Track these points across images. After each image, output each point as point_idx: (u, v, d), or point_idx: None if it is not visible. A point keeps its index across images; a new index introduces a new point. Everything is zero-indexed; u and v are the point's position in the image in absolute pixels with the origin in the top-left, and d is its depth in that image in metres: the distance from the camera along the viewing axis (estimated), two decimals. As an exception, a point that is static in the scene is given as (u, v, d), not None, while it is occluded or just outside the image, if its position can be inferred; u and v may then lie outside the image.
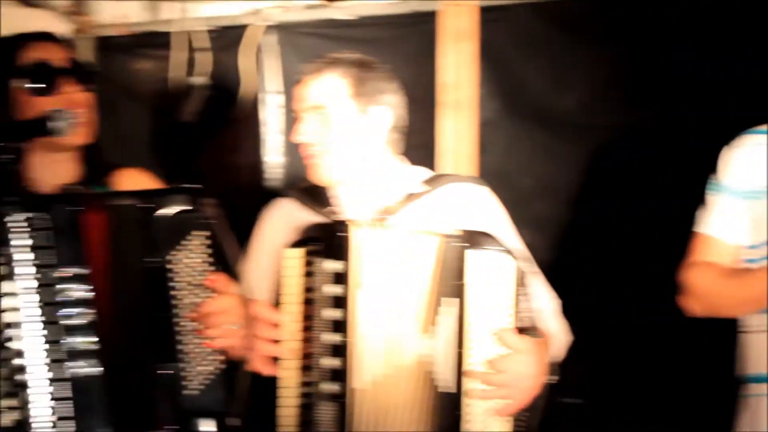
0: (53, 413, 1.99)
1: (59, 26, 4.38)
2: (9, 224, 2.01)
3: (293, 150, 4.07)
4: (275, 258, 2.52)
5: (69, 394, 2.00)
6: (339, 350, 2.18)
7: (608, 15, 3.52)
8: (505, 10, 3.68)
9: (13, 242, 2.02)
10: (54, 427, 1.98)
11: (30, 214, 2.03)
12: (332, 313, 2.19)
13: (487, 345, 2.22)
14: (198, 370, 2.12)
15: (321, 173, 2.47)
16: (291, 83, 4.09)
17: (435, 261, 2.23)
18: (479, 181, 2.55)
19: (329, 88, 2.44)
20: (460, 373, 2.20)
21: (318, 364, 2.20)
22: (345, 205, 2.50)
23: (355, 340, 2.18)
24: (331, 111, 2.43)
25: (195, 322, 2.12)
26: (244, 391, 2.19)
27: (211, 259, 2.14)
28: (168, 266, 2.11)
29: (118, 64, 4.46)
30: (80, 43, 4.34)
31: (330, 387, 2.18)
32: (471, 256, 2.21)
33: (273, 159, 4.17)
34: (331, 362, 2.18)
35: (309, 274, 2.27)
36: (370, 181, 2.49)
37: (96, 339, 2.03)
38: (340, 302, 2.19)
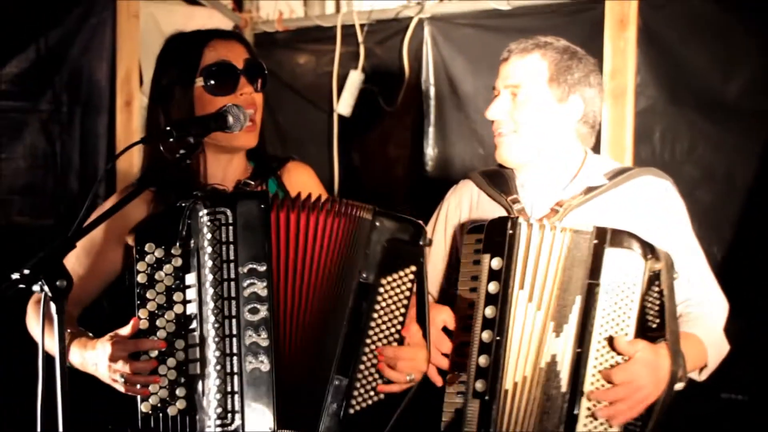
0: (220, 405, 2.02)
1: (220, 23, 4.53)
2: (202, 218, 2.07)
3: (444, 142, 4.11)
4: (452, 237, 2.56)
5: (237, 388, 2.03)
6: (487, 348, 2.19)
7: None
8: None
9: (200, 236, 2.07)
10: (219, 419, 2.01)
11: (218, 209, 2.07)
12: (486, 310, 2.21)
13: (608, 347, 2.19)
14: (360, 392, 2.14)
15: (505, 153, 2.47)
16: (445, 75, 4.13)
17: (565, 258, 2.22)
18: (661, 174, 2.49)
19: (528, 69, 2.44)
20: (578, 374, 2.19)
21: (470, 359, 2.22)
22: (525, 194, 2.49)
23: (506, 339, 2.18)
24: (526, 92, 2.43)
25: (379, 354, 2.15)
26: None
27: (411, 295, 2.18)
28: (379, 288, 2.16)
29: (277, 59, 4.60)
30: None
31: (477, 384, 2.20)
32: (609, 254, 2.20)
33: (428, 150, 4.19)
34: (479, 359, 2.20)
35: (477, 263, 2.29)
36: (553, 170, 2.48)
37: (268, 336, 2.04)
38: (495, 299, 2.20)
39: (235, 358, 2.03)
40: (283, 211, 2.12)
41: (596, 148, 3.33)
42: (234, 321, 2.05)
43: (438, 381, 2.31)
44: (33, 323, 2.36)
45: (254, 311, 2.05)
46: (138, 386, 2.04)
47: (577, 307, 2.20)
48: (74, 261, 2.32)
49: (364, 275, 2.15)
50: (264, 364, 2.04)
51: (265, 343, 2.04)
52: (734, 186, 3.44)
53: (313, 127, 4.55)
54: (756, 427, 3.23)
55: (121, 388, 2.07)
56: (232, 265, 2.06)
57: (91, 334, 2.22)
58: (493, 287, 2.21)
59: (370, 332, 2.15)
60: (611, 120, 3.50)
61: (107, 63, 4.25)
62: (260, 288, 2.06)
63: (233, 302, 2.05)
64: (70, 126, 4.19)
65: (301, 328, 2.11)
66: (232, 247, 2.06)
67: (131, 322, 2.07)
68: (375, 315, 2.15)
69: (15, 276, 1.73)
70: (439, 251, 2.60)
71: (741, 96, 3.45)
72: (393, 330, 2.16)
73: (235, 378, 2.03)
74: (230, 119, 2.17)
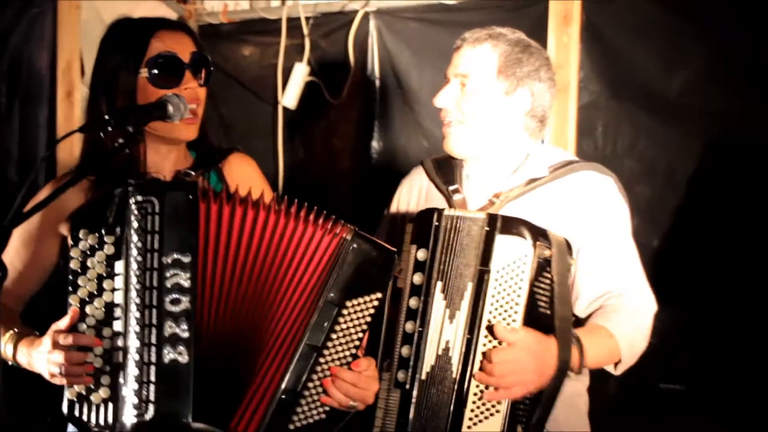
0: (136, 395, 1.98)
1: (164, 14, 4.47)
2: (131, 206, 2.03)
3: (389, 135, 4.12)
4: (401, 224, 2.55)
5: (153, 378, 1.99)
6: (410, 338, 2.21)
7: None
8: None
9: (130, 224, 2.04)
10: (135, 408, 1.98)
11: (149, 198, 2.04)
12: (410, 301, 2.23)
13: (495, 333, 2.19)
14: (304, 409, 2.12)
15: (453, 144, 2.46)
16: (391, 69, 4.14)
17: (467, 244, 2.23)
18: (605, 171, 2.49)
19: (478, 59, 2.43)
20: (467, 360, 2.20)
21: (393, 350, 2.24)
22: (470, 185, 2.49)
23: (426, 329, 2.21)
24: (473, 82, 2.42)
25: (334, 375, 2.12)
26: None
27: (371, 320, 2.15)
28: (343, 310, 2.12)
29: (222, 51, 4.56)
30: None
31: (399, 375, 2.22)
32: (499, 241, 2.20)
33: (373, 143, 4.20)
34: (402, 350, 2.22)
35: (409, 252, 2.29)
36: (499, 162, 2.47)
37: (189, 328, 2.01)
38: (419, 290, 2.22)
39: (153, 348, 1.99)
40: (215, 204, 2.08)
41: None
42: (155, 311, 2.01)
43: None
44: None
45: (176, 302, 2.01)
46: (76, 377, 2.02)
47: (469, 294, 2.21)
48: (13, 255, 2.29)
49: (332, 294, 2.12)
50: (182, 356, 2.00)
51: (185, 335, 2.00)
52: (674, 181, 3.50)
53: (257, 120, 4.53)
54: (695, 416, 3.29)
55: (62, 381, 2.04)
56: (156, 254, 2.02)
57: (37, 333, 2.18)
58: (417, 278, 2.23)
59: (326, 352, 2.12)
60: (554, 114, 3.52)
61: (48, 53, 4.19)
62: (183, 279, 2.02)
63: (155, 292, 2.01)
64: (9, 116, 4.12)
65: (232, 324, 2.08)
66: (157, 236, 2.03)
67: (69, 313, 2.04)
68: (334, 336, 2.12)
69: None
70: (386, 239, 2.58)
71: (682, 93, 3.51)
72: (348, 354, 2.14)
73: (152, 368, 1.99)
74: (170, 108, 2.14)
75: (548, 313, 2.22)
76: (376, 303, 2.15)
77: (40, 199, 2.03)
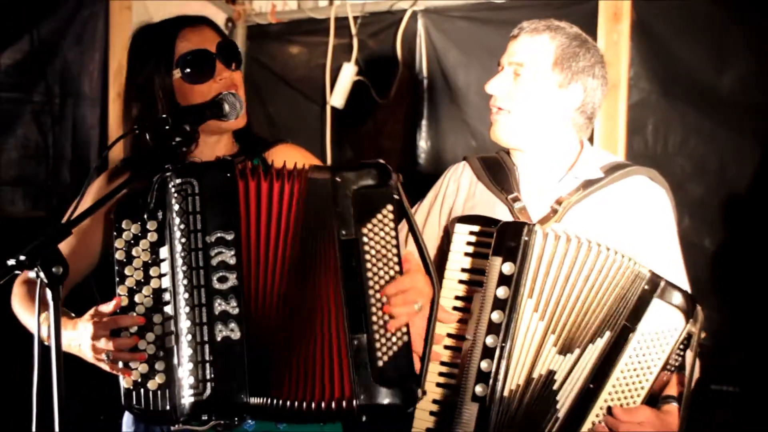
0: (192, 375, 1.99)
1: (213, 15, 4.51)
2: (171, 190, 2.06)
3: (436, 134, 4.12)
4: (446, 219, 2.53)
5: (208, 357, 2.00)
6: (491, 352, 2.14)
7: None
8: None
9: (170, 208, 2.06)
10: (191, 388, 1.99)
11: (188, 180, 2.06)
12: (493, 314, 2.15)
13: (619, 394, 2.17)
14: (383, 342, 2.10)
15: (498, 131, 2.44)
16: (438, 68, 4.14)
17: (612, 289, 2.18)
18: (659, 179, 2.45)
19: (535, 49, 2.40)
20: (584, 408, 2.17)
21: (468, 358, 2.17)
22: (524, 188, 2.45)
23: (511, 346, 2.13)
24: (528, 71, 2.40)
25: (382, 298, 2.10)
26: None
27: (396, 233, 2.13)
28: (362, 239, 2.11)
29: (270, 51, 4.59)
30: (235, 31, 4.49)
31: (477, 388, 2.14)
32: (654, 305, 2.17)
33: (421, 143, 4.20)
34: (481, 363, 2.15)
35: (473, 255, 2.26)
36: (550, 159, 2.45)
37: (238, 304, 2.02)
38: (503, 304, 2.15)
39: (205, 327, 2.02)
40: (253, 181, 2.10)
41: (589, 141, 3.35)
42: (203, 290, 2.03)
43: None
44: (18, 304, 2.33)
45: (223, 279, 2.04)
46: (121, 365, 2.04)
47: (603, 342, 2.17)
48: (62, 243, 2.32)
49: (344, 232, 2.11)
50: (234, 333, 2.02)
51: (235, 311, 2.03)
52: (725, 179, 3.47)
53: (305, 120, 4.55)
54: (746, 417, 3.25)
55: (107, 367, 2.07)
56: (199, 234, 2.05)
57: (73, 315, 2.21)
58: (502, 292, 2.15)
59: (370, 282, 2.10)
60: (604, 112, 3.52)
61: (100, 54, 4.24)
62: (228, 256, 2.05)
63: (201, 271, 2.04)
64: (63, 117, 4.18)
65: (279, 295, 2.09)
66: (199, 216, 2.06)
67: (114, 300, 2.07)
68: (369, 265, 2.11)
69: (11, 262, 1.73)
70: (433, 231, 2.55)
71: (733, 90, 3.48)
72: (391, 272, 2.12)
73: (206, 347, 2.01)
74: (226, 107, 2.18)
75: (666, 379, 2.20)
76: (391, 216, 2.14)
77: (93, 192, 2.16)
